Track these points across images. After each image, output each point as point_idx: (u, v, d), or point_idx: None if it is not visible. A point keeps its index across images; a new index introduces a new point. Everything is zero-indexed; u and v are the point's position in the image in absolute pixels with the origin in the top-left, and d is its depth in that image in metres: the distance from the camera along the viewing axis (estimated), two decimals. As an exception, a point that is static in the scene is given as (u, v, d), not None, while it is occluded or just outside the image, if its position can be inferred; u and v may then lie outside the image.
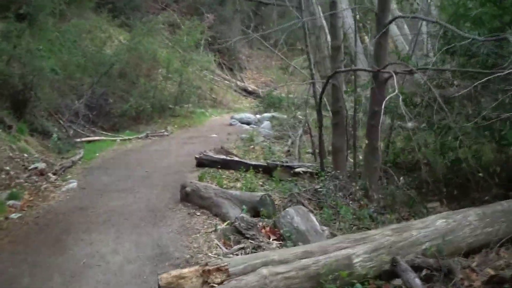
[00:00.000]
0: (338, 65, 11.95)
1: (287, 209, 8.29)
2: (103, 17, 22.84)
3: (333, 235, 7.84)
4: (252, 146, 16.11)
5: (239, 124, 21.64)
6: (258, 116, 22.97)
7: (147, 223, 8.77)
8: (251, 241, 7.49)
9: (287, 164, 12.40)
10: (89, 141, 16.90)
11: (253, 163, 12.71)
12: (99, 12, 24.03)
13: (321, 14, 18.05)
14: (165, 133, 19.07)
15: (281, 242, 7.65)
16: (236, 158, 13.11)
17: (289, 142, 17.19)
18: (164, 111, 22.16)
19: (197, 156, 12.96)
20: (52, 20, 17.09)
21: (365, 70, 12.99)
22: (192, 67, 23.58)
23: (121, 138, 17.74)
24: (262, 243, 7.46)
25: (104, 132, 18.37)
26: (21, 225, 8.74)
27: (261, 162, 13.03)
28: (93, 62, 19.93)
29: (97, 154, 15.07)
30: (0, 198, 9.68)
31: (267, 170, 12.16)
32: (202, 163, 12.84)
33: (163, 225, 8.64)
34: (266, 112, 25.09)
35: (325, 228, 8.06)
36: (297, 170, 11.97)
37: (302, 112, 21.73)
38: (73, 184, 11.31)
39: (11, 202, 9.63)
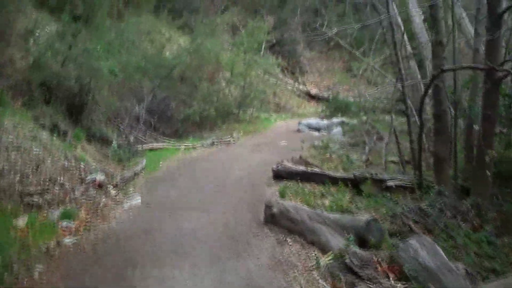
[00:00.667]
0: (441, 62, 10.36)
1: (409, 240, 6.32)
2: (162, 19, 21.12)
3: (469, 274, 5.90)
4: (328, 155, 14.24)
5: (308, 130, 19.77)
6: (325, 121, 20.90)
7: (229, 253, 6.97)
8: (369, 284, 5.62)
9: (377, 177, 10.46)
10: (151, 149, 15.31)
11: (337, 175, 10.94)
12: (157, 14, 22.45)
13: (396, 11, 15.96)
14: (232, 140, 17.34)
15: (405, 283, 5.81)
16: (318, 170, 11.39)
17: (366, 150, 15.21)
18: (228, 116, 20.48)
19: (274, 168, 11.25)
20: (109, 20, 15.70)
21: (477, 68, 10.71)
22: (255, 70, 21.77)
23: (185, 145, 16.09)
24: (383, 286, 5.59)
25: (166, 139, 16.76)
26: (76, 253, 6.95)
27: (346, 174, 11.18)
28: (153, 64, 18.30)
29: (161, 164, 13.43)
30: (52, 217, 7.95)
31: (354, 183, 10.34)
32: (279, 175, 11.19)
33: (249, 257, 6.85)
34: (332, 117, 23.18)
35: (460, 266, 6.05)
36: (389, 183, 10.05)
37: (372, 116, 19.86)
38: (137, 200, 9.61)
39: (64, 222, 7.85)
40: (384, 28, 14.76)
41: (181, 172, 12.48)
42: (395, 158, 13.81)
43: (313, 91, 32.08)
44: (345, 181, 10.54)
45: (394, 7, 15.63)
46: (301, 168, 11.27)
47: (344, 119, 20.98)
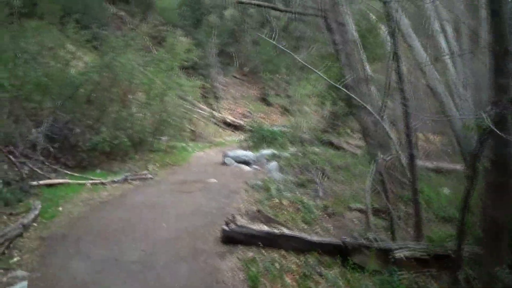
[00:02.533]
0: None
1: None
2: (68, 33, 17.52)
3: None
4: (276, 200, 11.39)
5: (235, 163, 16.92)
6: (254, 153, 18.16)
7: None
8: None
9: (379, 244, 7.82)
10: (50, 185, 11.96)
11: (315, 239, 8.17)
12: (62, 28, 18.75)
13: (353, 27, 13.62)
14: (148, 175, 14.24)
15: None
16: (287, 231, 8.42)
17: (319, 192, 12.63)
18: (142, 145, 17.28)
19: (225, 228, 8.26)
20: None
21: None
22: (174, 92, 18.76)
23: (92, 181, 12.83)
24: None
25: (68, 172, 13.37)
26: None
27: (328, 237, 8.45)
28: (56, 82, 14.93)
29: (61, 209, 10.23)
30: None
31: (342, 252, 7.59)
32: (232, 238, 8.19)
33: None
34: (257, 148, 20.59)
35: None
36: (398, 254, 7.42)
37: (307, 148, 17.50)
38: (22, 284, 6.31)
39: None
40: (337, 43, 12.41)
41: (88, 225, 9.21)
42: (360, 205, 11.33)
43: (229, 118, 29.46)
44: (328, 248, 7.77)
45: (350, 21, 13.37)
46: (264, 228, 8.33)
47: (274, 150, 18.36)
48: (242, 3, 19.61)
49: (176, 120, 18.31)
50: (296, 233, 8.39)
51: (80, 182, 12.58)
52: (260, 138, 21.77)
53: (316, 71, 10.81)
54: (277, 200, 11.28)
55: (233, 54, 36.55)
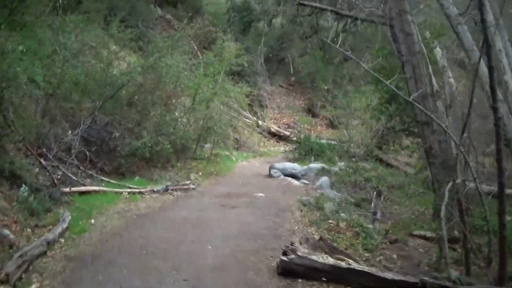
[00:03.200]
0: None
1: None
2: (112, 32, 16.28)
3: None
4: (332, 222, 9.87)
5: (282, 176, 15.47)
6: (302, 166, 16.66)
7: None
8: None
9: None
10: (83, 192, 10.72)
11: (390, 276, 6.57)
12: (107, 27, 17.53)
13: (419, 37, 12.05)
14: (191, 185, 12.90)
15: None
16: (355, 264, 6.89)
17: (377, 215, 11.09)
18: (184, 152, 16.02)
19: (283, 258, 6.77)
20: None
21: None
22: (221, 98, 17.44)
23: (129, 189, 11.57)
24: None
25: (105, 179, 12.18)
26: None
27: (402, 275, 6.83)
28: (97, 82, 13.77)
29: (93, 221, 8.92)
30: None
31: None
32: (291, 270, 6.69)
33: None
34: (302, 160, 19.17)
35: None
36: None
37: (358, 164, 16.00)
38: None
39: None
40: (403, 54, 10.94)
41: (123, 244, 7.75)
42: (423, 232, 9.78)
43: (274, 128, 28.09)
44: (402, 287, 6.25)
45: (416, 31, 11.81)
46: (329, 261, 6.78)
47: (323, 164, 16.88)
48: (303, 5, 18.14)
49: (221, 127, 16.95)
50: (366, 268, 6.85)
51: (116, 190, 11.35)
52: (307, 150, 20.34)
53: (386, 82, 9.22)
54: (333, 222, 9.76)
55: (282, 63, 35.34)
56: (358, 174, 14.80)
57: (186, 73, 16.25)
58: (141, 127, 14.21)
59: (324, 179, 14.15)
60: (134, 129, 14.17)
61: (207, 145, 18.21)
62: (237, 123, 23.29)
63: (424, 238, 9.54)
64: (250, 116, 27.01)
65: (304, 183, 14.63)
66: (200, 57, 19.40)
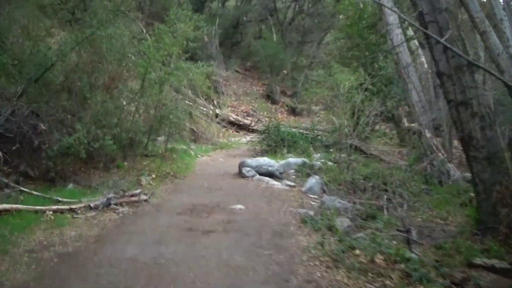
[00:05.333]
0: None
1: None
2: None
3: None
4: (359, 253, 6.43)
5: (257, 176, 12.11)
6: (274, 162, 13.31)
7: None
8: None
9: None
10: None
11: None
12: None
13: None
14: (142, 196, 9.27)
15: None
16: None
17: (413, 234, 7.80)
18: (132, 149, 12.46)
19: None
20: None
21: None
22: (175, 79, 13.77)
23: (55, 206, 7.96)
24: None
25: (25, 189, 8.54)
26: None
27: None
28: (21, 62, 10.14)
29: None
30: None
31: None
32: None
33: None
34: (271, 154, 16.01)
35: None
36: None
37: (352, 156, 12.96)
38: None
39: None
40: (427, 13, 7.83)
41: None
42: (492, 260, 6.51)
43: (233, 116, 24.70)
44: None
45: None
46: None
47: (305, 159, 13.65)
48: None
49: (178, 116, 13.30)
50: None
51: (38, 208, 7.70)
52: (277, 141, 17.04)
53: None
54: (362, 254, 6.34)
55: (237, 46, 32.03)
56: (352, 170, 11.59)
57: (133, 48, 12.62)
58: (76, 118, 10.59)
59: (314, 180, 10.81)
60: (66, 122, 10.55)
61: (161, 138, 14.70)
62: (193, 112, 19.70)
63: (493, 270, 6.27)
64: (207, 104, 23.48)
65: (289, 186, 11.30)
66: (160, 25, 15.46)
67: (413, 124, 16.76)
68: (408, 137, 17.37)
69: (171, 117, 12.80)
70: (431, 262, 6.30)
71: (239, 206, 8.84)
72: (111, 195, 8.65)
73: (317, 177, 10.97)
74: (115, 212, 8.21)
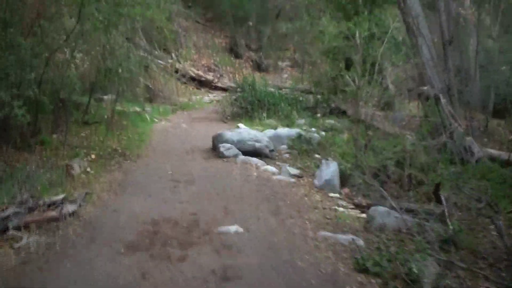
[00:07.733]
0: None
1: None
2: None
3: None
4: None
5: (241, 156, 8.35)
6: (259, 133, 9.58)
7: None
8: None
9: None
10: None
11: None
12: None
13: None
14: (67, 207, 5.26)
15: None
16: None
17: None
18: (65, 114, 8.50)
19: None
20: None
21: None
22: (132, 15, 9.63)
23: None
24: None
25: None
26: None
27: None
28: None
29: None
30: None
31: None
32: None
33: None
34: (246, 117, 12.56)
35: None
36: None
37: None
38: None
39: None
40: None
41: None
42: None
43: (194, 71, 20.81)
44: None
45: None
46: None
47: (300, 130, 10.00)
48: None
49: (130, 69, 9.32)
50: None
51: None
52: (252, 102, 13.26)
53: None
54: None
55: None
56: (372, 150, 7.96)
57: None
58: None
59: (332, 169, 7.08)
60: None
61: (107, 97, 10.86)
62: (148, 66, 15.61)
63: None
64: (165, 56, 19.42)
65: (295, 176, 7.49)
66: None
67: (424, 88, 13.29)
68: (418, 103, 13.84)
69: (120, 70, 8.87)
70: None
71: (233, 228, 5.01)
72: (11, 210, 4.72)
73: (333, 162, 7.27)
74: (12, 247, 4.34)
